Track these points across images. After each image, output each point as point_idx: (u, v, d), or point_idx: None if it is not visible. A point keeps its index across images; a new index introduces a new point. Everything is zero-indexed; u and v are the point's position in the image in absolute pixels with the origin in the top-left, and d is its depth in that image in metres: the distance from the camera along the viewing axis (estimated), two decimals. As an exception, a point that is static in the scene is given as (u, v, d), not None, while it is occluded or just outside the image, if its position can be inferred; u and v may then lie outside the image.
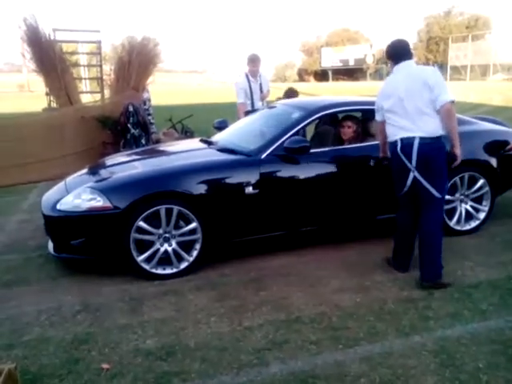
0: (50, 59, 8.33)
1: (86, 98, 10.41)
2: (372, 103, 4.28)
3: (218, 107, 16.58)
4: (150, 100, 8.91)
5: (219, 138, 4.48)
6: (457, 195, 4.09)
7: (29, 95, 29.45)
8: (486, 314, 2.85)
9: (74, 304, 3.09)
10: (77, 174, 4.14)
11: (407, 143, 3.12)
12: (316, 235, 4.04)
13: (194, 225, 3.42)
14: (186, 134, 9.15)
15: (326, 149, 4.00)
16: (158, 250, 3.40)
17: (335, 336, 2.64)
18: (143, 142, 7.33)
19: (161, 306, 3.03)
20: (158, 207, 3.32)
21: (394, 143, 3.23)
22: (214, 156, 3.86)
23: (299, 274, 3.47)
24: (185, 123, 9.45)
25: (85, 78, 12.21)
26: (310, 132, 4.73)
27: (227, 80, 49.69)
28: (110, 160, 4.38)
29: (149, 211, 3.30)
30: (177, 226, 3.41)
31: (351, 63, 49.18)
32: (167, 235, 3.41)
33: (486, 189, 4.14)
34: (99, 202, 3.32)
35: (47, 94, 9.35)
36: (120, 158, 4.42)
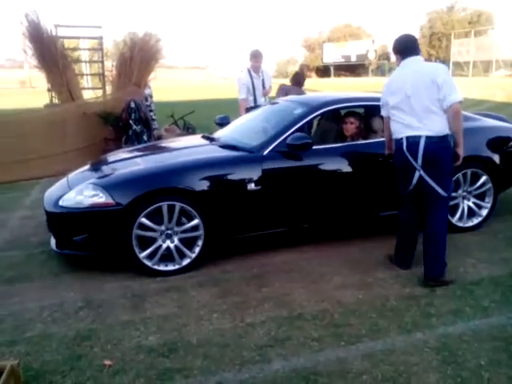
0: (51, 55, 8.32)
1: (87, 94, 10.40)
2: (375, 99, 4.27)
3: (219, 103, 16.55)
4: (151, 96, 8.90)
5: (221, 134, 4.47)
6: (459, 192, 4.08)
7: (30, 91, 29.44)
8: (487, 310, 2.84)
9: (76, 300, 3.10)
10: (79, 171, 4.14)
11: (413, 142, 3.08)
12: (318, 232, 4.04)
13: (196, 221, 3.42)
14: (188, 130, 9.14)
15: (329, 145, 3.99)
16: (160, 246, 3.41)
17: (337, 333, 2.64)
18: (145, 138, 7.32)
19: (163, 303, 3.04)
20: (160, 204, 3.31)
21: (400, 141, 3.18)
22: (216, 152, 3.86)
23: (301, 271, 3.47)
24: (186, 119, 9.44)
25: (86, 74, 12.18)
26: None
27: (229, 76, 49.59)
28: (112, 156, 4.38)
29: (151, 208, 3.30)
30: (179, 223, 3.41)
31: (353, 59, 49.03)
32: (169, 232, 3.41)
33: (489, 185, 4.13)
34: (101, 198, 3.32)
35: (49, 90, 9.34)
36: (122, 154, 4.42)
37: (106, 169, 3.88)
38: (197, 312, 2.91)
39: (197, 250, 3.49)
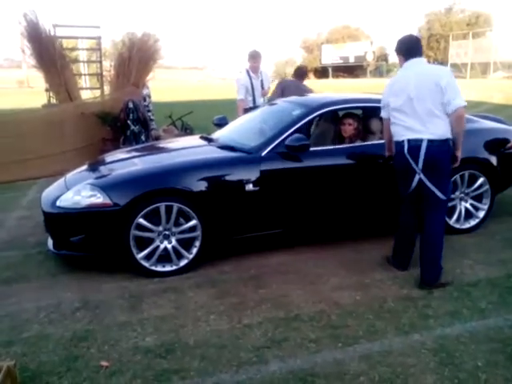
0: (49, 55, 8.31)
1: (85, 95, 10.39)
2: (373, 101, 4.28)
3: (218, 104, 16.54)
4: (149, 96, 8.90)
5: (219, 134, 4.47)
6: (457, 193, 4.08)
7: (28, 91, 29.39)
8: (485, 312, 2.85)
9: (73, 301, 3.09)
10: (76, 171, 4.13)
11: (414, 145, 3.05)
12: (316, 233, 4.04)
13: (193, 222, 3.42)
14: (186, 130, 9.15)
15: (327, 147, 4.00)
16: (158, 247, 3.40)
17: (334, 334, 2.64)
18: (143, 138, 7.32)
19: (160, 304, 3.03)
20: (158, 204, 3.31)
21: (401, 143, 3.15)
22: (214, 153, 3.86)
23: (299, 272, 3.47)
24: (185, 120, 9.44)
25: (84, 74, 12.18)
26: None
27: (227, 76, 49.60)
28: (110, 157, 4.37)
29: (149, 208, 3.30)
30: (177, 224, 3.41)
31: (351, 60, 49.04)
32: (167, 232, 3.40)
33: (486, 187, 4.13)
34: (99, 198, 3.31)
35: (47, 90, 9.33)
36: (120, 154, 4.41)
37: (103, 169, 3.88)
38: (194, 313, 2.91)
39: (194, 250, 3.48)
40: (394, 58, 52.53)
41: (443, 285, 3.16)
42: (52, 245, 3.62)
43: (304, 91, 5.54)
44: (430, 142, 3.01)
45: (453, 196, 4.04)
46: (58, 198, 3.50)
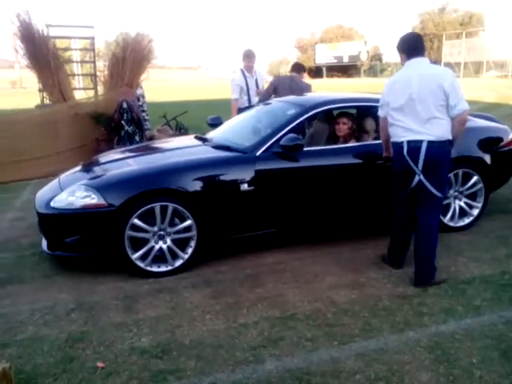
0: (43, 55, 8.26)
1: (79, 95, 10.34)
2: (368, 100, 4.30)
3: (212, 104, 16.53)
4: (143, 96, 8.87)
5: (214, 134, 4.47)
6: (451, 192, 4.10)
7: (21, 92, 29.23)
8: (479, 309, 2.87)
9: (68, 302, 3.07)
10: (71, 172, 4.11)
11: (414, 146, 3.03)
12: (311, 232, 4.04)
13: (189, 222, 3.41)
14: (181, 130, 9.13)
15: (321, 147, 4.02)
16: (153, 247, 3.39)
17: (330, 332, 2.64)
18: (137, 138, 7.29)
19: (156, 304, 3.02)
20: (153, 204, 3.30)
21: (400, 145, 3.12)
22: (209, 153, 3.85)
23: (294, 271, 3.47)
24: (179, 120, 9.42)
25: (78, 75, 12.12)
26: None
27: (222, 76, 49.54)
28: (104, 157, 4.36)
29: (143, 209, 3.29)
30: (172, 224, 3.40)
31: (345, 60, 49.17)
32: (162, 233, 3.40)
33: (480, 185, 4.16)
34: (94, 199, 3.30)
35: (40, 91, 9.27)
36: (114, 155, 4.40)
37: (98, 170, 3.86)
38: (190, 313, 2.90)
39: (190, 250, 3.48)
40: (387, 57, 52.72)
41: (437, 283, 3.18)
42: (46, 246, 3.60)
43: (300, 87, 5.51)
44: (430, 143, 2.99)
45: (447, 194, 4.06)
46: (52, 198, 3.48)
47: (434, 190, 3.07)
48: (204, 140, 4.31)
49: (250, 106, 5.61)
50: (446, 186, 3.23)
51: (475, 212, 4.22)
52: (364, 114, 4.26)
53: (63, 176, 4.03)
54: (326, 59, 50.07)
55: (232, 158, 3.66)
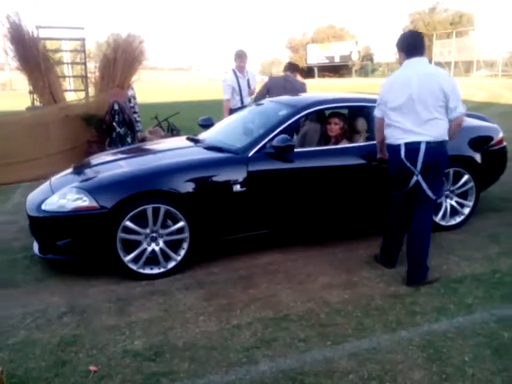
0: (33, 57, 8.20)
1: (70, 97, 10.27)
2: (360, 100, 4.32)
3: (204, 105, 16.50)
4: (134, 97, 8.83)
5: (206, 135, 4.46)
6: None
7: (11, 94, 28.98)
8: (471, 307, 2.89)
9: (60, 306, 3.05)
10: (62, 174, 4.08)
11: (412, 148, 3.01)
12: (304, 233, 4.05)
13: (181, 224, 3.40)
14: (172, 132, 9.10)
15: (313, 148, 4.03)
16: (145, 249, 3.38)
17: (323, 333, 2.65)
18: (129, 140, 7.26)
19: (148, 306, 3.01)
20: (145, 206, 3.29)
21: (396, 147, 3.09)
22: (200, 154, 3.84)
23: (287, 271, 3.48)
24: (171, 121, 9.39)
25: (69, 76, 12.04)
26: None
27: (213, 77, 49.49)
28: (96, 159, 4.33)
29: (136, 211, 3.27)
30: (164, 226, 3.39)
31: (337, 60, 49.32)
32: (154, 235, 3.38)
33: (471, 184, 4.19)
34: (85, 201, 3.28)
35: (31, 93, 9.20)
36: (105, 156, 4.37)
37: (89, 172, 3.84)
38: (183, 315, 2.90)
39: (182, 252, 3.47)
40: (378, 57, 53.01)
41: (429, 282, 3.19)
42: (38, 249, 3.57)
43: (295, 87, 5.51)
44: (428, 143, 2.99)
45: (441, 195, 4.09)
46: (43, 201, 3.45)
47: (428, 192, 3.08)
48: (196, 141, 4.30)
49: (242, 107, 5.60)
50: (441, 188, 3.24)
51: (466, 211, 4.26)
52: (356, 114, 4.27)
53: (54, 178, 4.00)
54: (318, 59, 50.19)
55: (224, 159, 3.66)
